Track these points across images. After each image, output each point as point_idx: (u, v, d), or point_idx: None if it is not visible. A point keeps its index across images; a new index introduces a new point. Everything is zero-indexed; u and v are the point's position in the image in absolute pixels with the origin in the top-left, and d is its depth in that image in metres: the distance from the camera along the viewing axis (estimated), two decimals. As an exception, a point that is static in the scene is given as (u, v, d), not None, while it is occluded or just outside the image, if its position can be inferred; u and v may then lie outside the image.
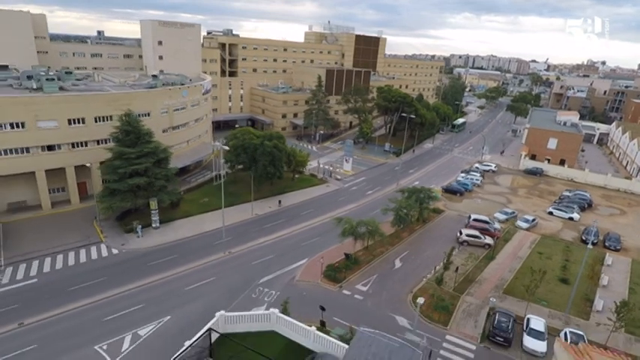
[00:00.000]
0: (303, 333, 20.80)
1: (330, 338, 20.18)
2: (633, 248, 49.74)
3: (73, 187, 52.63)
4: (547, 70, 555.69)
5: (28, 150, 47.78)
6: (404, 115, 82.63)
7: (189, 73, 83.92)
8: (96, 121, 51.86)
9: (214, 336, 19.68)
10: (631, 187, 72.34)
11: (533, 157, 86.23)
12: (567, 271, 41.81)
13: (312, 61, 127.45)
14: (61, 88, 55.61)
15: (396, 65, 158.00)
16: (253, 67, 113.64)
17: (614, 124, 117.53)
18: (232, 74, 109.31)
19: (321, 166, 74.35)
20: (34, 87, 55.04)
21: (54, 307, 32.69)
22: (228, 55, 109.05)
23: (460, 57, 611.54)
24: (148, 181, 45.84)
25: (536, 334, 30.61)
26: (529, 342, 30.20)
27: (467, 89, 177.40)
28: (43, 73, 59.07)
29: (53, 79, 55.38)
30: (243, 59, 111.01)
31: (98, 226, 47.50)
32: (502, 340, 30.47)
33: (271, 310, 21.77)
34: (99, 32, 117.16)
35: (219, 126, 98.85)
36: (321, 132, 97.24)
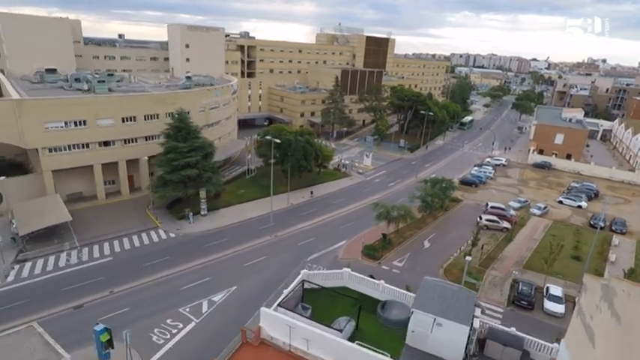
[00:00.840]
0: (372, 286, 25.66)
1: (397, 288, 25.06)
2: (637, 232, 54.53)
3: (124, 180, 57.49)
4: (548, 68, 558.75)
5: (88, 145, 52.66)
6: (422, 112, 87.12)
7: (213, 74, 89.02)
8: (145, 119, 56.79)
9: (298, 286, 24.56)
10: (634, 179, 77.16)
11: (541, 152, 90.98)
12: (579, 250, 46.58)
13: (324, 62, 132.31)
14: (109, 89, 60.65)
15: (404, 65, 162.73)
16: (270, 68, 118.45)
17: (616, 120, 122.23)
18: (250, 75, 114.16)
19: (342, 161, 79.05)
20: (85, 88, 60.12)
21: (134, 279, 37.66)
22: (247, 56, 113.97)
23: (461, 56, 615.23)
24: (197, 172, 50.71)
25: (556, 299, 35.50)
26: (549, 305, 35.07)
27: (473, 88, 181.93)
28: (90, 76, 64.21)
29: (104, 81, 60.40)
30: (260, 60, 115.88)
31: (152, 213, 52.43)
32: (526, 303, 35.33)
33: (344, 269, 26.64)
34: (120, 35, 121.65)
35: (238, 124, 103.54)
36: (345, 129, 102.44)
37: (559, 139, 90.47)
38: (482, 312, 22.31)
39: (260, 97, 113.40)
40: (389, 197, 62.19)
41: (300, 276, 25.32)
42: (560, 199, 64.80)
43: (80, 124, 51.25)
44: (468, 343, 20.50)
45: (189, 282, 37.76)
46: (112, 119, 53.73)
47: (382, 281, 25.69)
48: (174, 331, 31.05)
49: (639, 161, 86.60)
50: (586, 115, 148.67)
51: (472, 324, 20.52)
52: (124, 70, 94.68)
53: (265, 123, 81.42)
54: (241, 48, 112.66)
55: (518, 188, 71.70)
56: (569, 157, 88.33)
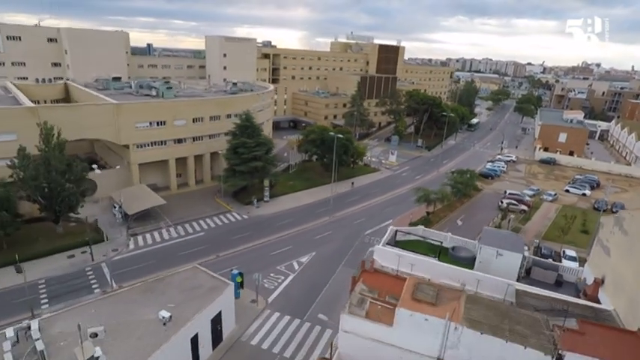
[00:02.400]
0: (442, 237, 34.70)
1: (459, 237, 34.13)
2: (634, 213, 63.90)
3: (191, 173, 66.32)
4: (543, 72, 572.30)
5: (165, 143, 61.57)
6: (443, 114, 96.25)
7: (246, 80, 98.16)
8: (210, 120, 65.75)
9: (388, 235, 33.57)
10: (631, 172, 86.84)
11: (545, 150, 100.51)
12: (586, 226, 55.77)
13: (341, 69, 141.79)
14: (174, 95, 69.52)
15: (412, 71, 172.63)
16: (292, 75, 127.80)
17: (613, 121, 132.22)
18: (275, 81, 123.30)
19: (370, 158, 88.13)
20: (154, 94, 68.95)
21: (231, 247, 46.52)
22: (272, 64, 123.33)
23: (457, 61, 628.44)
24: (262, 164, 59.71)
25: (571, 258, 44.64)
26: (566, 263, 44.08)
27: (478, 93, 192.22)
28: (155, 83, 73.26)
29: (171, 88, 69.30)
30: (284, 68, 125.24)
31: (221, 200, 61.26)
32: (548, 262, 44.40)
33: (420, 226, 35.70)
34: (148, 45, 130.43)
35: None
36: (367, 130, 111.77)
37: (562, 137, 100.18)
38: (528, 249, 31.32)
39: (285, 101, 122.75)
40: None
41: (389, 230, 34.33)
42: (567, 188, 74.24)
43: (161, 124, 60.16)
44: (520, 268, 29.59)
45: (276, 249, 46.67)
46: (185, 120, 62.66)
47: (449, 233, 34.77)
48: (280, 280, 40.02)
49: (634, 157, 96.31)
50: (584, 117, 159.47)
51: (524, 254, 29.63)
52: (164, 77, 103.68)
53: (303, 125, 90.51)
54: (267, 56, 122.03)
55: (529, 180, 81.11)
56: (571, 153, 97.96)
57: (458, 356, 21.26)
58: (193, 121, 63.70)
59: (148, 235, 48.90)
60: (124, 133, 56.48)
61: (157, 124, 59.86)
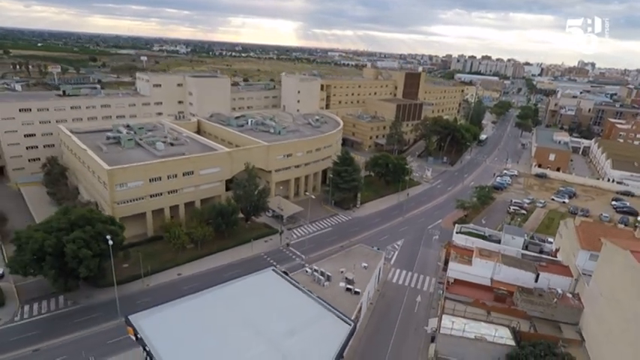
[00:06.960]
0: (483, 230, 67.89)
1: (493, 230, 67.27)
2: (595, 215, 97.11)
3: (301, 187, 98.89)
4: (540, 74, 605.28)
5: (289, 168, 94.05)
6: (467, 144, 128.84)
7: (312, 110, 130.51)
8: (315, 151, 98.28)
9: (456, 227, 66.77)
10: (599, 185, 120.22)
11: (539, 166, 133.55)
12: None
13: (375, 94, 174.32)
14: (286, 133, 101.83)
15: (430, 92, 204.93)
16: (339, 100, 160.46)
17: (593, 140, 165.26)
18: (327, 107, 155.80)
19: (414, 174, 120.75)
20: (272, 132, 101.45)
21: (353, 236, 79.01)
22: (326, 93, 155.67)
23: (458, 60, 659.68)
24: (357, 184, 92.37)
25: (550, 243, 77.77)
26: (547, 245, 77.38)
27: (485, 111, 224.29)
28: (267, 121, 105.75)
29: (284, 128, 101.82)
30: (334, 95, 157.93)
31: (327, 206, 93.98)
32: (537, 245, 77.64)
33: (470, 224, 68.86)
34: (236, 84, 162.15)
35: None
36: (406, 147, 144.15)
37: (552, 157, 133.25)
38: (527, 235, 64.52)
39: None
40: (452, 196, 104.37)
41: (455, 226, 67.39)
42: (553, 197, 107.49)
43: (288, 156, 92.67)
44: (522, 244, 62.88)
45: (380, 237, 79.55)
46: (302, 152, 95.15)
47: (487, 228, 67.93)
48: (392, 254, 73.10)
49: (605, 172, 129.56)
50: (572, 131, 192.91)
51: (524, 238, 62.91)
52: (248, 107, 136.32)
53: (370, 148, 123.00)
54: (322, 87, 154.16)
55: (527, 191, 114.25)
56: (558, 169, 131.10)
57: (500, 277, 54.38)
58: (307, 153, 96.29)
59: (299, 230, 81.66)
60: (270, 162, 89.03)
61: (287, 156, 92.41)
